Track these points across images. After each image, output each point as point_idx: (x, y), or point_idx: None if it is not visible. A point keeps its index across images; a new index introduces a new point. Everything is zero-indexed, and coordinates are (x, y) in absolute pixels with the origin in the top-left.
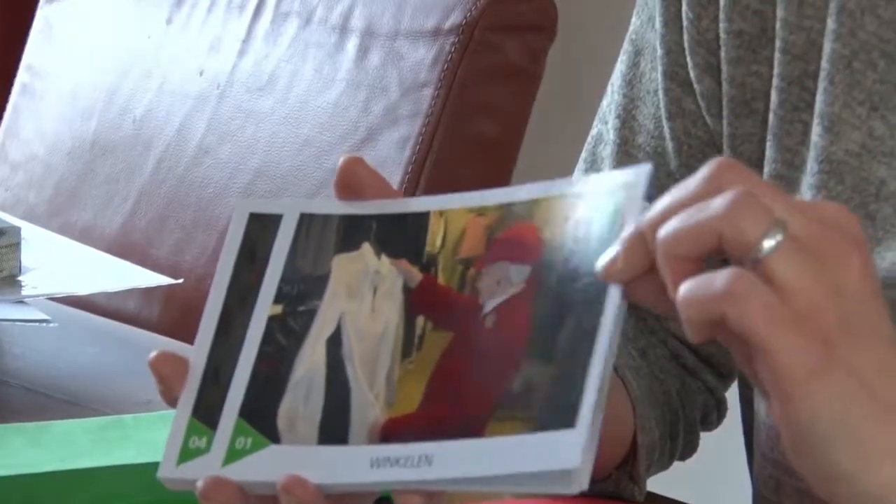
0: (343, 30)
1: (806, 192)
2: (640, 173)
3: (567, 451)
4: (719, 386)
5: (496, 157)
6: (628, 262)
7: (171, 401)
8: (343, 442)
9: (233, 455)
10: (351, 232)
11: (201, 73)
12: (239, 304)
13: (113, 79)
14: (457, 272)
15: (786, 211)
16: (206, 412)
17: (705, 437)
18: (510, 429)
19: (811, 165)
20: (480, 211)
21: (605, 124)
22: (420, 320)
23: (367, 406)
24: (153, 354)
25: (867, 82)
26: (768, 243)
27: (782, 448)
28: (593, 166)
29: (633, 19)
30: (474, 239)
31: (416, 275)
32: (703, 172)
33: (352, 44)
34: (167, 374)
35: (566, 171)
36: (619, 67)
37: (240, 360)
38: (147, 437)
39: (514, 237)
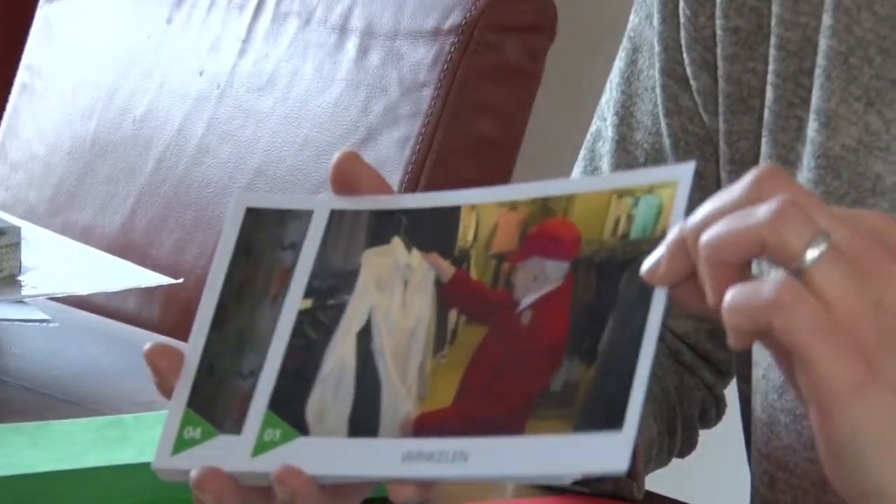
0: (343, 30)
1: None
2: (684, 172)
3: (614, 454)
4: (718, 383)
5: (496, 156)
6: (672, 266)
7: (167, 392)
8: (373, 435)
9: (262, 447)
10: (381, 226)
11: (201, 73)
12: (235, 298)
13: (113, 78)
14: (490, 267)
15: (828, 221)
16: (201, 403)
17: (704, 436)
18: (550, 427)
19: (808, 161)
20: (512, 205)
21: (603, 121)
22: (453, 314)
23: (399, 400)
24: (148, 346)
25: (864, 78)
26: (812, 253)
27: (819, 459)
28: (592, 163)
29: (632, 17)
30: (507, 233)
31: (448, 269)
32: (746, 179)
33: (352, 44)
34: (162, 367)
35: (566, 170)
36: (618, 65)
37: (269, 354)
38: (147, 437)
39: (549, 232)
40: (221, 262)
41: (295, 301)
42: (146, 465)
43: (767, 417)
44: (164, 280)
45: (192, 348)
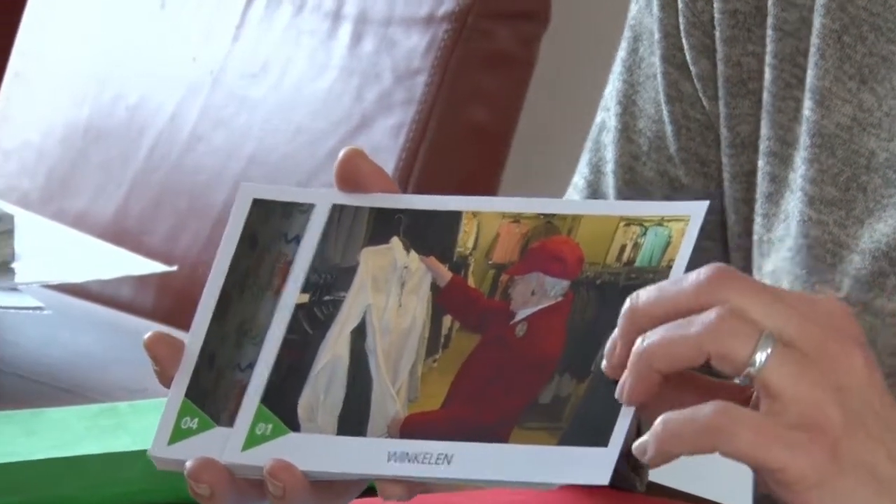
0: (336, 16)
1: (799, 166)
2: (697, 208)
3: (597, 468)
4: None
5: (490, 144)
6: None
7: (166, 381)
8: (361, 434)
9: (252, 440)
10: (381, 225)
11: (194, 60)
12: (238, 289)
13: (106, 65)
14: (488, 276)
15: (778, 316)
16: (200, 394)
17: None
18: (536, 438)
19: (803, 139)
20: (515, 217)
21: (607, 111)
22: (447, 319)
23: (388, 400)
24: (148, 335)
25: (857, 56)
26: (760, 356)
27: None
28: (597, 154)
29: (632, 5)
30: (508, 245)
31: (446, 273)
32: (696, 280)
33: (345, 31)
34: (162, 356)
35: (559, 157)
36: (620, 54)
37: (264, 347)
38: (141, 425)
39: (552, 250)
40: (226, 252)
41: (292, 294)
42: (141, 452)
43: None
44: (158, 267)
45: (193, 338)
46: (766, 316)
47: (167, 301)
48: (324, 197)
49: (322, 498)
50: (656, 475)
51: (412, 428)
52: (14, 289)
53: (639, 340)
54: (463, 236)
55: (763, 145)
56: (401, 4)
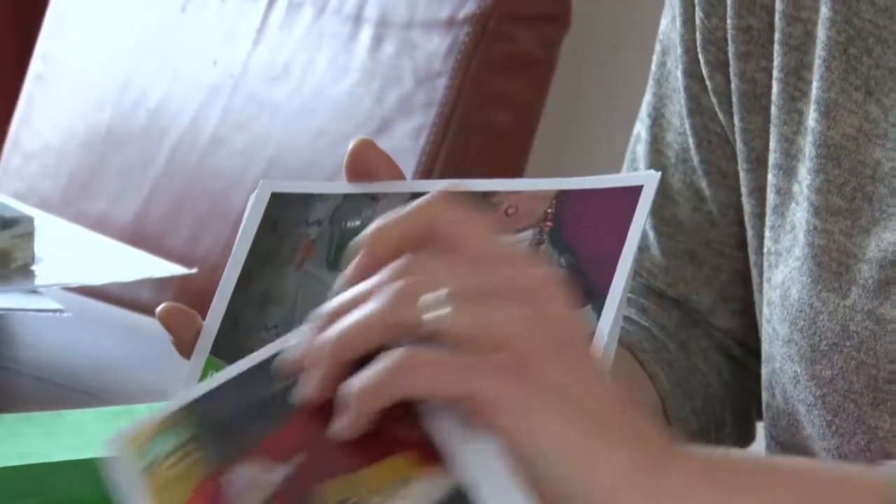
0: (357, 20)
1: (805, 176)
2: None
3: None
4: None
5: (510, 146)
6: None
7: (184, 349)
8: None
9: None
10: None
11: (215, 63)
12: (260, 264)
13: (127, 68)
14: None
15: (451, 270)
16: (225, 353)
17: None
18: None
19: (808, 150)
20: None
21: (642, 123)
22: None
23: None
24: (161, 306)
25: (863, 68)
26: (434, 313)
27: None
28: (632, 164)
29: (662, 19)
30: None
31: None
32: (384, 273)
33: (366, 34)
34: (176, 325)
35: (579, 160)
36: (652, 67)
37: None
38: None
39: None
40: (246, 237)
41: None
42: None
43: (785, 407)
44: (178, 270)
45: (217, 305)
46: (438, 268)
47: (187, 303)
48: (340, 187)
49: None
50: None
51: None
52: (34, 291)
53: (329, 333)
54: None
55: (771, 158)
56: (421, 7)
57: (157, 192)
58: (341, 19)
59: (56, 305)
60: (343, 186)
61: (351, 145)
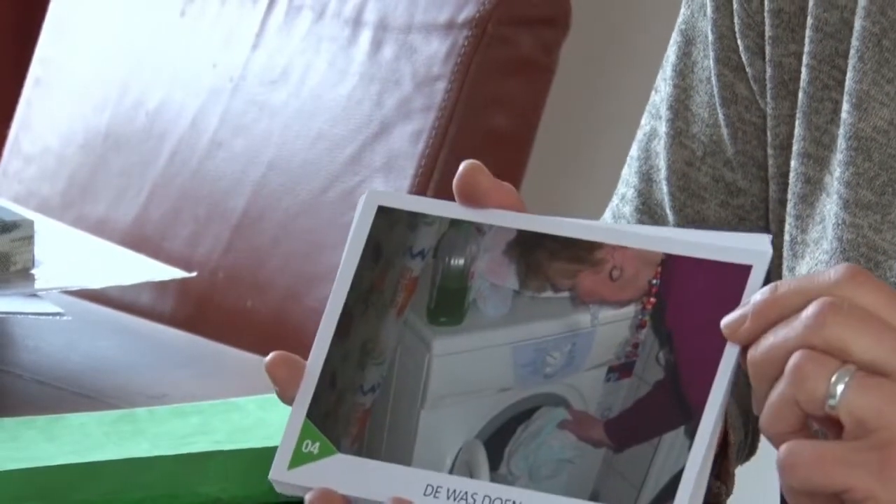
0: (356, 23)
1: (835, 168)
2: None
3: None
4: None
5: (510, 150)
6: (755, 326)
7: (288, 401)
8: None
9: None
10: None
11: (214, 66)
12: (361, 305)
13: (126, 71)
14: None
15: (869, 343)
16: (321, 416)
17: None
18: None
19: (840, 142)
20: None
21: (658, 119)
22: None
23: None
24: (269, 357)
25: None
26: (838, 389)
27: None
28: (647, 162)
29: (682, 9)
30: None
31: None
32: (811, 310)
33: (365, 37)
34: (282, 377)
35: (580, 164)
36: (670, 59)
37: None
38: (160, 431)
39: None
40: (350, 263)
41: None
42: (159, 458)
43: None
44: (178, 273)
45: (315, 356)
46: (855, 338)
47: (187, 307)
48: (447, 209)
49: None
50: None
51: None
52: (34, 295)
53: (754, 349)
54: None
55: (797, 146)
56: (421, 11)
57: (157, 194)
58: (340, 23)
59: (56, 309)
60: (450, 209)
61: (461, 168)
